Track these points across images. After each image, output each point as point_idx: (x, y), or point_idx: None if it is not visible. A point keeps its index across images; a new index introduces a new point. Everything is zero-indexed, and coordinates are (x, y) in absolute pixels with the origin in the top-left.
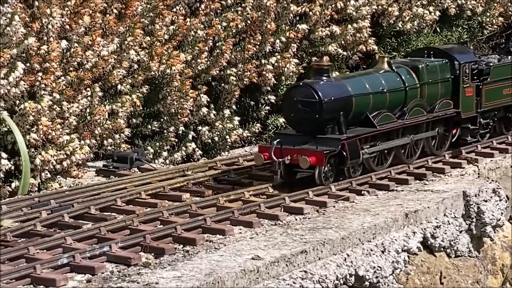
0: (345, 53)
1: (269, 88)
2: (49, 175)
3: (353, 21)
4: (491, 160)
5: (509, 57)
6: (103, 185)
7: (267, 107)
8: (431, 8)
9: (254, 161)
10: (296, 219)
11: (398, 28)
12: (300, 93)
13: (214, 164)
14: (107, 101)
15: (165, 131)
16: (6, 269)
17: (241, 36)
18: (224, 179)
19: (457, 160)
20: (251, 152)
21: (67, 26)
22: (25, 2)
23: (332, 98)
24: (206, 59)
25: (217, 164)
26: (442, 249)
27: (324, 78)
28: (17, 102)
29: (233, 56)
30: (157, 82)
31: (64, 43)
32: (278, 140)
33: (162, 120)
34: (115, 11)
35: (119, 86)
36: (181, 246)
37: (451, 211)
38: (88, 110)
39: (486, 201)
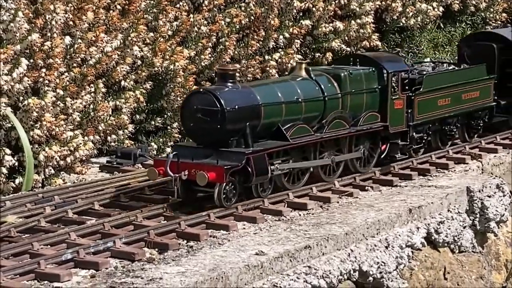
0: (348, 49)
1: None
2: (52, 171)
3: (357, 17)
4: (495, 156)
5: (445, 65)
6: (106, 181)
7: None
8: (434, 4)
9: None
10: (300, 215)
11: (401, 23)
12: (200, 101)
13: None
14: (111, 97)
15: (168, 127)
16: (10, 264)
17: (244, 32)
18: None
19: (461, 156)
20: None
21: (71, 22)
22: None
23: (237, 106)
24: (209, 55)
25: None
26: (446, 244)
27: (229, 84)
28: (21, 98)
29: (236, 52)
30: (160, 78)
31: (67, 39)
32: (175, 153)
33: (165, 116)
34: (118, 7)
35: (122, 82)
36: (185, 241)
37: (455, 206)
38: (91, 106)
39: (489, 196)
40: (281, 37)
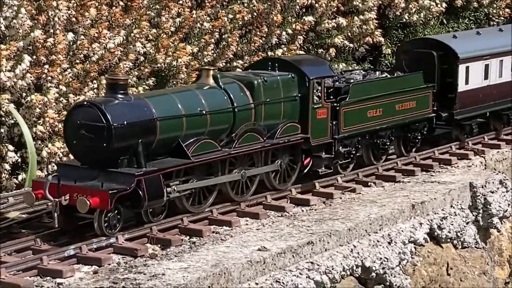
0: (351, 45)
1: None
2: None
3: (360, 13)
4: (498, 152)
5: (377, 72)
6: None
7: None
8: (437, 0)
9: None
10: (302, 211)
11: (404, 19)
12: (84, 115)
13: None
14: None
15: None
16: (13, 260)
17: (247, 28)
18: None
19: (463, 152)
20: None
21: (73, 19)
22: None
23: (126, 122)
24: (212, 51)
25: None
26: (449, 240)
27: (119, 96)
28: (24, 94)
29: (239, 48)
30: (163, 74)
31: (70, 36)
32: (55, 174)
33: None
34: (121, 3)
35: None
36: (188, 237)
37: (457, 202)
38: None
39: (493, 192)
40: (284, 33)
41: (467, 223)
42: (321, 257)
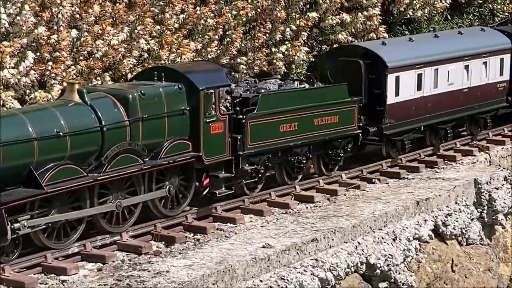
0: (355, 41)
1: (279, 77)
2: None
3: (364, 9)
4: (503, 148)
5: (296, 83)
6: None
7: None
8: None
9: None
10: (307, 208)
11: (408, 15)
12: None
13: None
14: None
15: None
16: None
17: (251, 25)
18: None
19: (468, 148)
20: None
21: (77, 15)
22: None
23: None
24: (216, 47)
25: None
26: (453, 237)
27: None
28: (28, 91)
29: (243, 45)
30: None
31: (74, 32)
32: None
33: None
34: (125, 0)
35: (129, 75)
36: (192, 234)
37: (462, 198)
38: None
39: (497, 188)
40: (287, 29)
41: (472, 219)
42: (326, 254)
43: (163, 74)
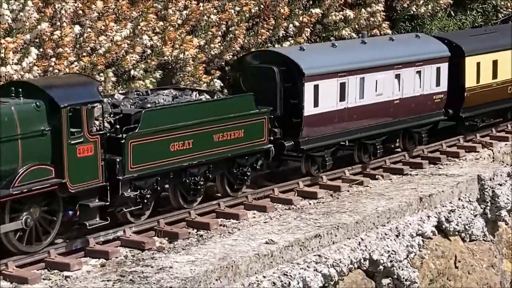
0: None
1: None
2: None
3: (367, 5)
4: (506, 144)
5: (194, 93)
6: None
7: None
8: None
9: None
10: (310, 204)
11: (412, 12)
12: None
13: None
14: (120, 86)
15: None
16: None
17: (254, 21)
18: None
19: (472, 144)
20: None
21: (80, 11)
22: None
23: None
24: (219, 44)
25: None
26: (456, 233)
27: None
28: None
29: (246, 41)
30: (170, 67)
31: (77, 28)
32: None
33: None
34: None
35: (132, 71)
36: (195, 230)
37: (465, 195)
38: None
39: (501, 185)
40: (291, 25)
41: (475, 216)
42: (329, 250)
43: (20, 90)
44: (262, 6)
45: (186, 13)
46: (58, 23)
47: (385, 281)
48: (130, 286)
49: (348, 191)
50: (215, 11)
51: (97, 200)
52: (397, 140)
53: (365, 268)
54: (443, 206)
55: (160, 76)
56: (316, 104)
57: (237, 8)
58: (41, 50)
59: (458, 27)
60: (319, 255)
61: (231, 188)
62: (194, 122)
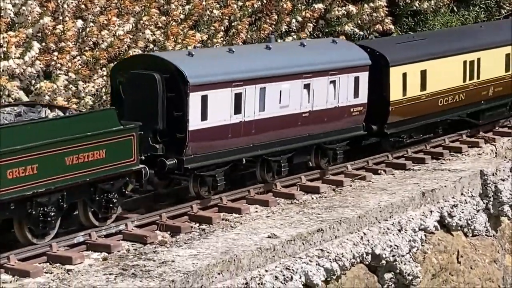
0: (361, 32)
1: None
2: None
3: (370, 0)
4: (509, 139)
5: (44, 110)
6: None
7: None
8: None
9: None
10: (312, 198)
11: (415, 7)
12: None
13: None
14: None
15: None
16: (22, 247)
17: (257, 16)
18: None
19: (474, 139)
20: None
21: (83, 6)
22: None
23: None
24: (222, 38)
25: None
26: (459, 228)
27: None
28: (33, 81)
29: (249, 36)
30: None
31: (79, 23)
32: None
33: None
34: None
35: None
36: (197, 224)
37: (468, 190)
38: (103, 89)
39: (503, 180)
40: (293, 20)
41: (478, 211)
42: (331, 244)
43: None
44: (265, 1)
45: (189, 7)
46: (61, 17)
47: (388, 275)
48: (132, 280)
49: (351, 185)
50: (217, 5)
51: None
52: (308, 157)
53: (367, 263)
54: (445, 201)
55: None
56: (204, 117)
57: (240, 3)
58: (44, 44)
59: (461, 22)
60: (322, 250)
61: (96, 217)
62: (38, 144)
